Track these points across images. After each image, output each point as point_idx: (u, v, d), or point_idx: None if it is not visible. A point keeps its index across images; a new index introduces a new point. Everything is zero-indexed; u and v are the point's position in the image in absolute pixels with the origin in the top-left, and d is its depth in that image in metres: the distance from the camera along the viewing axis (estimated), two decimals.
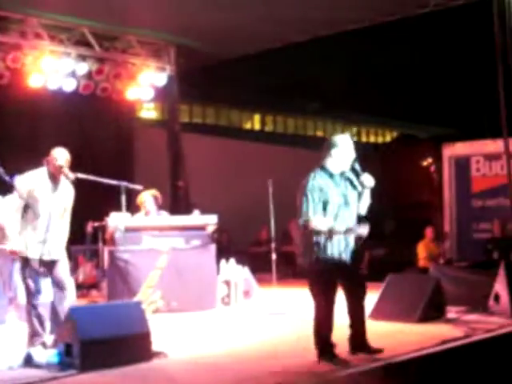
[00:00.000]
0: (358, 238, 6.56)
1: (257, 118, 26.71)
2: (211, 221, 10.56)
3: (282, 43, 14.03)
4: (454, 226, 13.87)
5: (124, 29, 12.91)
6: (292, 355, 6.89)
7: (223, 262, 11.00)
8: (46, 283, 7.36)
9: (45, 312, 7.33)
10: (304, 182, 6.42)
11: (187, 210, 12.28)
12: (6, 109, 12.68)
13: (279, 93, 22.13)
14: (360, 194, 6.58)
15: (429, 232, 13.68)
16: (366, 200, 6.62)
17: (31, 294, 7.24)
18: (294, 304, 10.39)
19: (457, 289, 9.73)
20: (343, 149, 6.49)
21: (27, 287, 7.26)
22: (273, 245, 11.04)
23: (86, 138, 13.87)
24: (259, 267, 12.23)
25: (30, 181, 7.27)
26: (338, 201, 6.41)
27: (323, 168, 6.50)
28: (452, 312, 9.16)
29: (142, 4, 11.63)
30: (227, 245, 14.99)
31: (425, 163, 13.18)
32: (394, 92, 22.72)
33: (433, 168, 12.81)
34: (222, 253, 11.34)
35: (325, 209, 6.36)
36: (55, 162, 7.29)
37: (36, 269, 7.23)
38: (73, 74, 12.62)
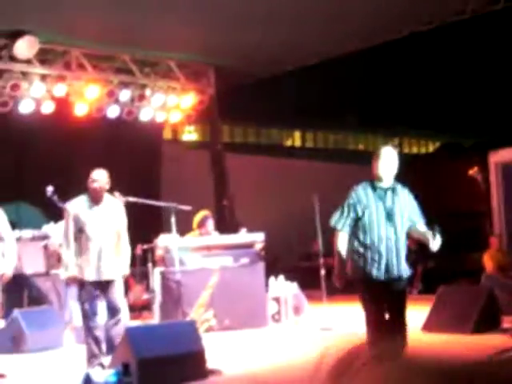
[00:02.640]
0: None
1: (297, 134, 26.79)
2: (258, 238, 10.66)
3: (319, 59, 14.09)
4: (504, 233, 13.64)
5: (163, 53, 13.09)
6: None
7: (272, 279, 11.05)
8: (101, 305, 7.49)
9: (101, 334, 7.46)
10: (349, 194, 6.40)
11: (233, 230, 12.37)
12: (54, 137, 12.93)
13: (318, 108, 22.19)
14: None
15: (494, 241, 13.05)
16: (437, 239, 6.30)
17: (87, 317, 7.38)
18: (343, 319, 10.39)
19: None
20: (384, 160, 6.31)
21: (83, 310, 7.40)
22: (321, 260, 11.06)
23: (128, 163, 14.05)
24: (308, 283, 12.23)
25: (76, 206, 7.44)
26: (378, 214, 6.24)
27: (370, 181, 6.40)
28: (508, 322, 9.03)
29: (179, 29, 11.80)
30: (274, 262, 15.03)
31: (471, 171, 13.01)
32: (436, 101, 22.64)
33: (479, 176, 12.63)
34: (270, 270, 11.39)
35: (360, 220, 6.26)
36: (96, 183, 7.45)
37: (91, 291, 7.37)
38: (116, 101, 12.84)
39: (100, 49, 12.47)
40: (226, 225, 13.36)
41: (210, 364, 7.06)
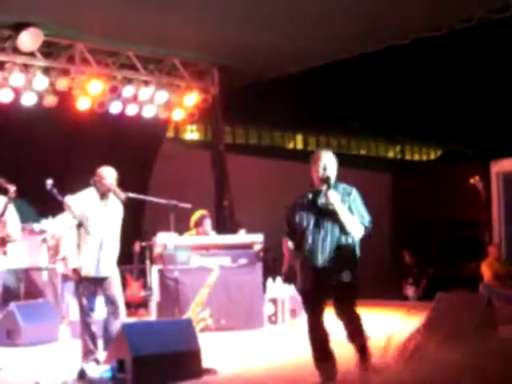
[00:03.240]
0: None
1: (299, 138, 26.75)
2: (257, 239, 10.65)
3: (324, 61, 14.05)
4: (503, 243, 13.61)
5: (168, 51, 13.06)
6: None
7: (270, 280, 11.04)
8: (98, 301, 7.45)
9: (97, 329, 7.44)
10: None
11: (232, 230, 12.37)
12: (56, 131, 12.90)
13: (321, 112, 22.14)
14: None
15: (492, 250, 13.05)
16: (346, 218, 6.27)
17: (84, 312, 7.34)
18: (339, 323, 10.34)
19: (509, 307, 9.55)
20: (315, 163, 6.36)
21: (81, 305, 7.37)
22: None
23: (128, 159, 14.00)
24: None
25: (81, 200, 7.42)
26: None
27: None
28: (504, 331, 9.00)
29: (185, 27, 11.77)
30: (273, 263, 15.00)
31: (471, 180, 12.99)
32: (439, 109, 22.61)
33: (480, 185, 12.61)
34: (268, 271, 11.37)
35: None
36: (104, 180, 7.45)
37: (89, 287, 7.34)
38: (118, 97, 12.80)
39: (105, 44, 12.43)
40: (225, 225, 13.33)
41: (205, 363, 7.04)
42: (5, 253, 7.60)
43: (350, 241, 6.32)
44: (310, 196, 6.40)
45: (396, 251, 17.50)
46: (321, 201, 6.31)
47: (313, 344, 6.52)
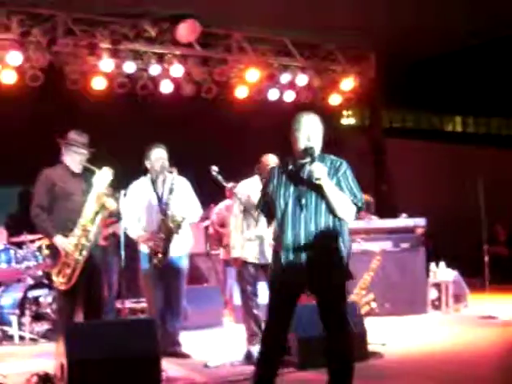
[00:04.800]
0: None
1: (458, 120, 26.05)
2: (420, 223, 10.51)
3: (481, 40, 13.60)
4: None
5: (324, 37, 13.01)
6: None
7: (433, 265, 10.86)
8: (260, 286, 7.55)
9: (260, 313, 7.52)
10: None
11: (392, 214, 12.21)
12: (214, 121, 13.13)
13: (480, 93, 21.45)
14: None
15: None
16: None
17: (248, 297, 7.43)
18: (506, 309, 10.07)
19: None
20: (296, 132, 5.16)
21: (244, 291, 7.45)
22: (485, 247, 10.75)
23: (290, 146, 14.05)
24: (470, 271, 11.90)
25: (247, 188, 7.50)
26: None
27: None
28: None
29: (342, 11, 11.69)
30: (435, 248, 14.70)
31: None
32: None
33: None
34: (431, 256, 11.17)
35: None
36: (269, 167, 7.49)
37: (252, 272, 7.42)
38: (276, 84, 12.88)
39: (261, 32, 12.54)
40: (385, 209, 13.17)
41: (370, 346, 7.01)
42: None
43: (338, 226, 5.01)
44: (291, 169, 5.13)
45: None
46: (304, 176, 5.06)
47: (258, 361, 5.17)
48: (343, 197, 4.98)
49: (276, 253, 5.10)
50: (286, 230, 4.98)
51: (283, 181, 5.10)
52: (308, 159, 4.99)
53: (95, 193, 6.89)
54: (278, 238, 5.06)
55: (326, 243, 4.94)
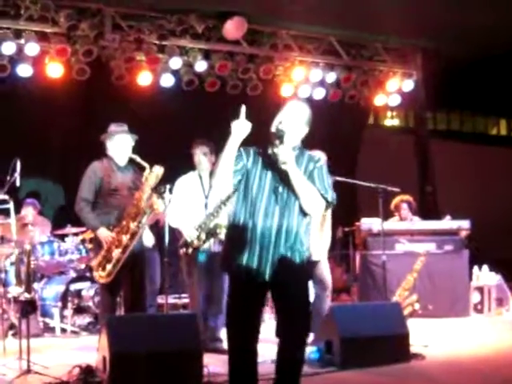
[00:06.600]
0: None
1: (503, 123, 25.74)
2: (464, 226, 10.43)
3: None
4: None
5: (371, 36, 12.94)
6: None
7: (475, 268, 10.78)
8: None
9: None
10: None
11: (436, 216, 12.12)
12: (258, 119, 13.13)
13: None
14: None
15: None
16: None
17: None
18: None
19: None
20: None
21: None
22: None
23: (338, 145, 13.94)
24: None
25: None
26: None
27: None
28: None
29: (388, 11, 11.60)
30: (478, 251, 14.57)
31: None
32: None
33: None
34: (474, 259, 11.08)
35: None
36: None
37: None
38: (321, 83, 12.83)
39: (307, 30, 12.50)
40: (428, 211, 13.06)
41: (413, 348, 6.96)
42: None
43: (306, 225, 4.76)
44: (270, 153, 4.72)
45: None
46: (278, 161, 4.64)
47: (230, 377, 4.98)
48: (311, 187, 4.67)
49: (235, 241, 4.72)
50: (256, 218, 4.64)
51: (259, 164, 4.79)
52: (276, 142, 4.64)
53: (145, 192, 6.81)
54: (240, 225, 4.69)
55: (293, 242, 4.66)
